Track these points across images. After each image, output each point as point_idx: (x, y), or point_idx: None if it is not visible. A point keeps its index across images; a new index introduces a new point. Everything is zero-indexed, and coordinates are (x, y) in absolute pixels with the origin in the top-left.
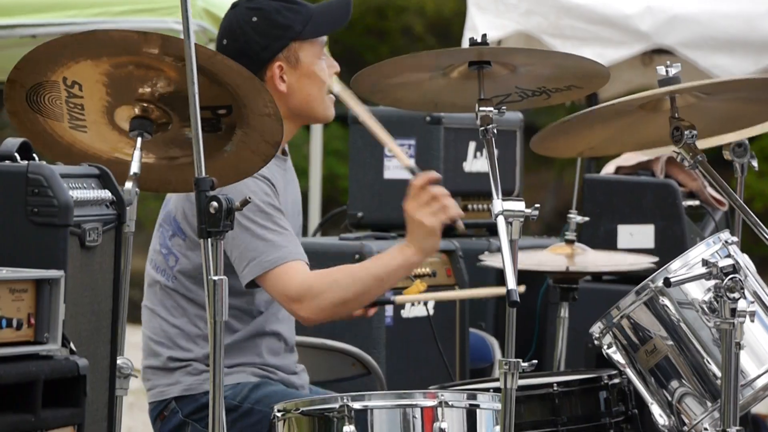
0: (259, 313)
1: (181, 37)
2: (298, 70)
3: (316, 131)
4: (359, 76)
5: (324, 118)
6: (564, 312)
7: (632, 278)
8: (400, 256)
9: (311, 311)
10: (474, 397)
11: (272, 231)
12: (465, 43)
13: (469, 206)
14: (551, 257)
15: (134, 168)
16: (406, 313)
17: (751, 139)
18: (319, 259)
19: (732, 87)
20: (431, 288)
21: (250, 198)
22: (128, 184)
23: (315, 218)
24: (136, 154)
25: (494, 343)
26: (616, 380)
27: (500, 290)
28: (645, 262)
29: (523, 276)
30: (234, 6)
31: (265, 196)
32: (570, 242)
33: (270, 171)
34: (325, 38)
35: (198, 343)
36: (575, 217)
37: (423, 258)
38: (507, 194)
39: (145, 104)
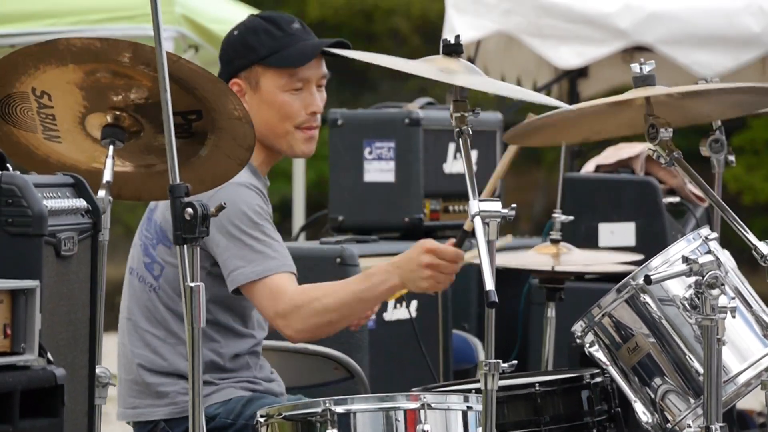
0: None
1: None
2: (257, 95)
3: None
4: None
5: (290, 153)
6: (551, 312)
7: (614, 276)
8: (388, 284)
9: (295, 330)
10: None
11: (261, 241)
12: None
13: (450, 207)
14: (537, 257)
15: (107, 176)
16: (388, 315)
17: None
18: (300, 263)
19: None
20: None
21: (225, 204)
22: (101, 193)
23: (299, 222)
24: (109, 162)
25: (477, 345)
26: (599, 379)
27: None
28: (630, 260)
29: (506, 276)
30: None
31: (257, 206)
32: (555, 242)
33: (259, 185)
34: (309, 74)
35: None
36: (559, 217)
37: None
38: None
39: (117, 112)
